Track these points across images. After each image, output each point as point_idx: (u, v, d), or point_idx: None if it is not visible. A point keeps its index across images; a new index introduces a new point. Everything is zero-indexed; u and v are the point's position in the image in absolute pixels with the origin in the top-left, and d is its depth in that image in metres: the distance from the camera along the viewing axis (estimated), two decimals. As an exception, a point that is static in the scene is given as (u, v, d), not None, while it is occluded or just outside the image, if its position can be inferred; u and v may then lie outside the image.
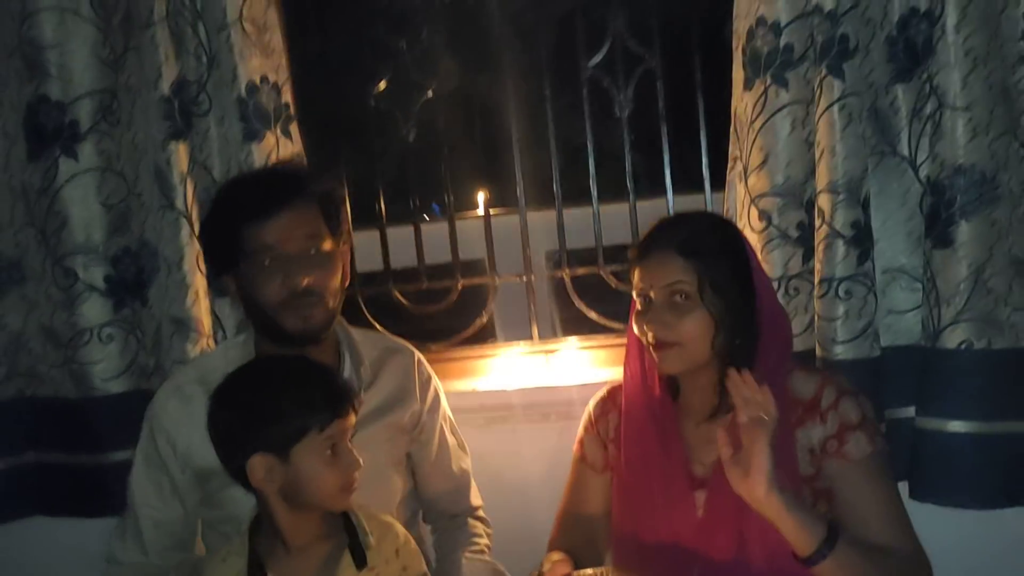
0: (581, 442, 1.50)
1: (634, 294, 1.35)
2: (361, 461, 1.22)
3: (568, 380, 1.88)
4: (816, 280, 1.58)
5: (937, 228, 1.52)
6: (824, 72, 1.51)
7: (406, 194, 2.02)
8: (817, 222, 1.56)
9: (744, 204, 1.63)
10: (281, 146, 1.75)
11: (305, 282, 1.35)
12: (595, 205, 1.93)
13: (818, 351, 1.60)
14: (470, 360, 2.01)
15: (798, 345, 1.62)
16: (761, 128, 1.58)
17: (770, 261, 1.61)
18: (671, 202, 1.90)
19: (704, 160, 1.87)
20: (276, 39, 1.75)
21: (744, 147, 1.62)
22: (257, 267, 1.36)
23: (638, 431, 1.40)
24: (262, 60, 1.72)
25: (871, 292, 1.55)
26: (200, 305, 1.76)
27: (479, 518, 1.61)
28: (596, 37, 1.90)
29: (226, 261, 1.40)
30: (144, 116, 1.76)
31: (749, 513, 1.29)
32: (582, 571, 1.30)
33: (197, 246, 1.74)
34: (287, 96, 1.76)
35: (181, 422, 1.42)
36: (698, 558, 1.33)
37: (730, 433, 1.30)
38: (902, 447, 1.58)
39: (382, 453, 1.45)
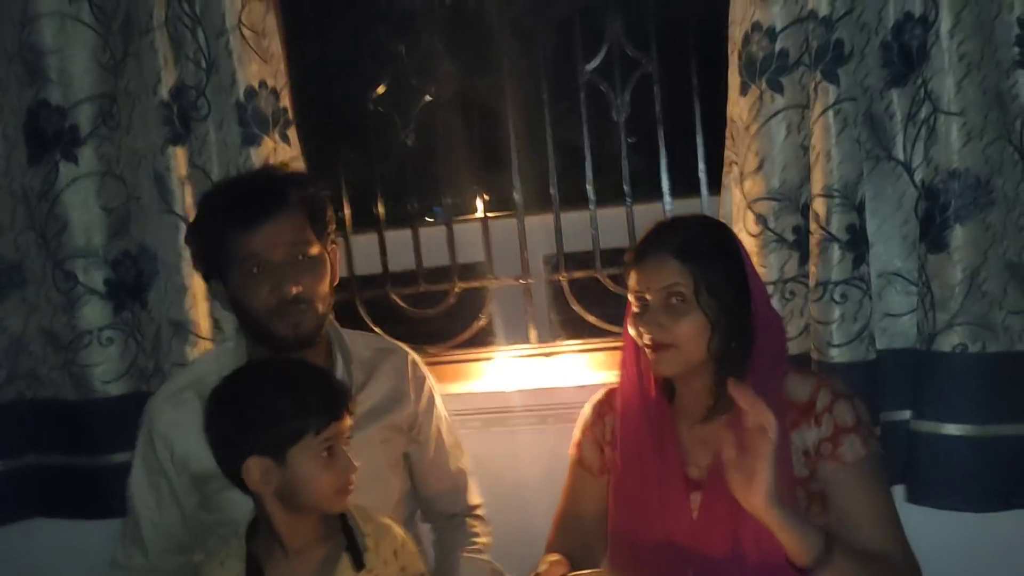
0: (578, 445, 1.50)
1: (630, 297, 1.36)
2: (357, 463, 1.22)
3: (565, 383, 1.89)
4: (812, 283, 1.58)
5: (932, 232, 1.52)
6: (819, 77, 1.51)
7: (405, 197, 2.03)
8: (812, 226, 1.56)
9: (740, 208, 1.63)
10: (279, 151, 1.76)
11: (294, 291, 1.35)
12: (592, 209, 1.94)
13: (814, 354, 1.60)
14: (468, 363, 2.01)
15: (794, 348, 1.62)
16: (757, 132, 1.59)
17: (766, 265, 1.61)
18: (668, 206, 1.91)
19: (701, 164, 1.88)
20: (274, 44, 1.76)
21: (740, 151, 1.62)
22: (245, 275, 1.36)
23: (634, 433, 1.40)
24: (260, 65, 1.73)
25: (866, 295, 1.56)
26: (199, 308, 1.77)
27: (478, 517, 1.61)
28: (593, 41, 1.91)
29: (213, 267, 1.40)
30: (143, 121, 1.77)
31: (744, 515, 1.29)
32: (579, 573, 1.30)
33: (196, 250, 1.76)
34: (285, 101, 1.77)
35: (176, 427, 1.43)
36: (693, 560, 1.33)
37: (733, 432, 1.31)
38: (898, 450, 1.58)
39: (378, 454, 1.45)
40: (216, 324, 1.81)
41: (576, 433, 1.51)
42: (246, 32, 1.71)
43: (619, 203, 1.93)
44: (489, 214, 2.01)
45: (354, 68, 2.07)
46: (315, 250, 1.39)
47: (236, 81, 1.71)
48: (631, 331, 1.36)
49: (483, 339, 2.06)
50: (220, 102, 1.73)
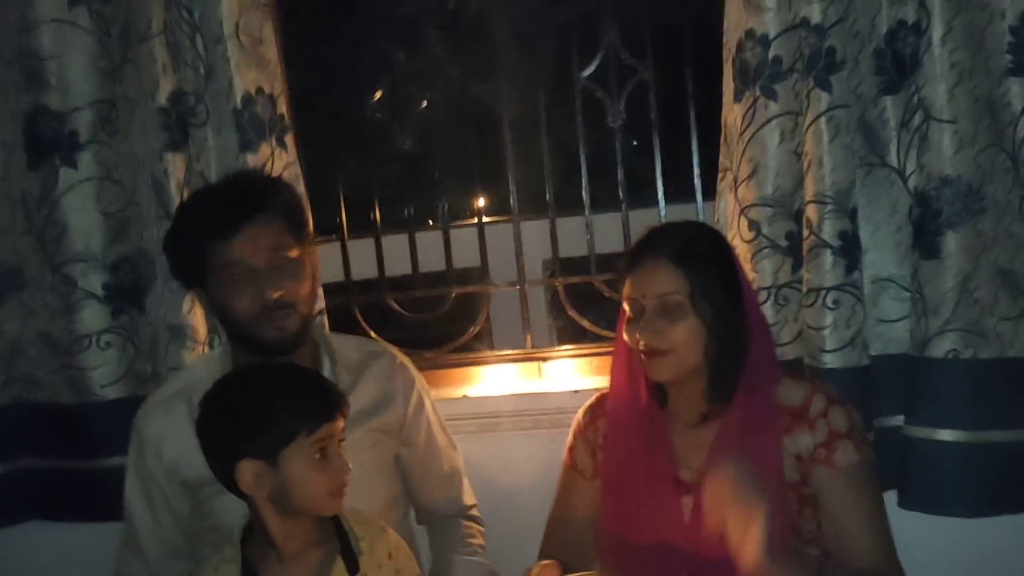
0: (571, 449, 1.51)
1: (624, 303, 1.36)
2: (351, 464, 1.22)
3: (560, 388, 1.90)
4: (804, 289, 1.59)
5: (924, 239, 1.53)
6: (811, 84, 1.52)
7: (402, 202, 2.04)
8: (805, 232, 1.57)
9: (734, 214, 1.64)
10: (276, 156, 1.77)
11: (276, 295, 1.36)
12: (588, 214, 1.95)
13: (807, 360, 1.61)
14: (464, 367, 2.02)
15: (787, 354, 1.63)
16: (751, 139, 1.60)
17: (760, 270, 1.62)
18: (663, 211, 1.92)
19: (696, 170, 1.89)
20: (272, 51, 1.77)
21: (734, 158, 1.63)
22: (226, 282, 1.36)
23: (624, 437, 1.41)
24: (258, 72, 1.74)
25: (859, 302, 1.56)
26: (196, 313, 1.78)
27: (472, 518, 1.61)
28: (590, 48, 1.92)
29: (194, 277, 1.41)
30: (142, 126, 1.78)
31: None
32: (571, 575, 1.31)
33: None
34: (283, 107, 1.78)
35: (166, 435, 1.44)
36: (685, 562, 1.34)
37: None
38: (890, 456, 1.59)
39: (367, 458, 1.45)
40: (214, 328, 1.81)
41: (569, 437, 1.51)
42: (243, 39, 1.72)
43: (616, 208, 1.94)
44: (487, 219, 2.02)
45: (352, 74, 2.09)
46: (294, 253, 1.40)
47: (233, 88, 1.71)
48: (626, 337, 1.36)
49: (480, 344, 2.07)
50: (218, 108, 1.74)
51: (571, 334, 2.03)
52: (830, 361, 1.56)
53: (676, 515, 1.36)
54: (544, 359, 1.99)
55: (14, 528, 1.95)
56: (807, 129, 1.54)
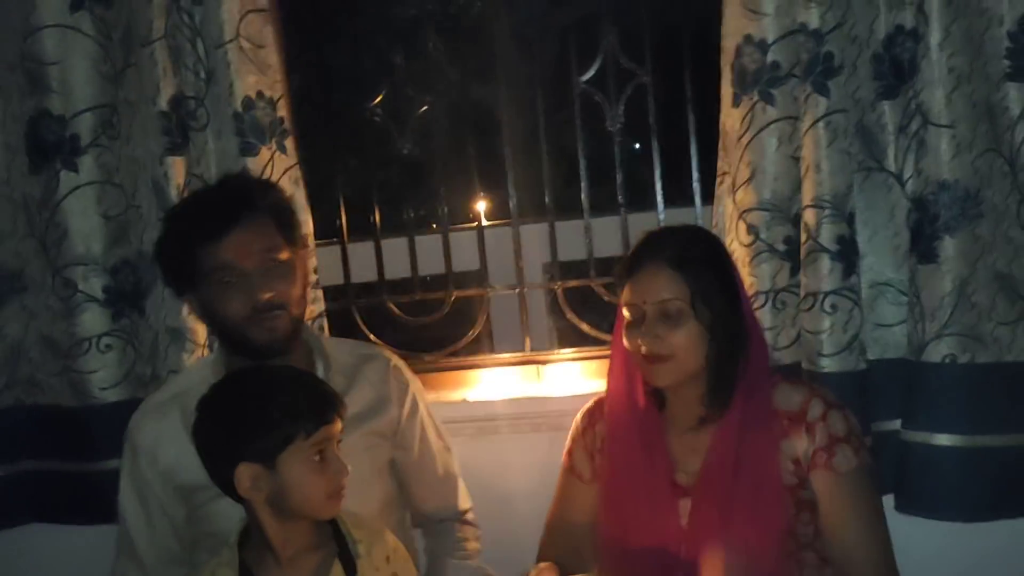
0: (569, 453, 1.51)
1: (624, 309, 1.36)
2: (349, 467, 1.22)
3: (558, 391, 1.90)
4: (802, 294, 1.59)
5: (922, 243, 1.53)
6: (810, 89, 1.53)
7: (402, 205, 2.04)
8: (803, 237, 1.57)
9: (732, 218, 1.65)
10: (276, 160, 1.78)
11: (267, 296, 1.36)
12: (587, 218, 1.96)
13: (805, 364, 1.61)
14: (463, 371, 2.02)
15: (785, 358, 1.63)
16: (749, 143, 1.60)
17: (758, 274, 1.62)
18: (662, 215, 1.92)
19: (695, 174, 1.89)
20: (272, 56, 1.77)
21: (732, 162, 1.64)
22: (217, 286, 1.37)
23: (621, 441, 1.41)
24: (258, 77, 1.74)
25: (857, 306, 1.57)
26: (196, 316, 1.78)
27: (467, 522, 1.61)
28: (589, 53, 1.92)
29: (185, 283, 1.41)
30: (143, 130, 1.79)
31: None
32: (568, 578, 1.32)
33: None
34: (283, 111, 1.79)
35: (160, 441, 1.44)
36: (683, 566, 1.34)
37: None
38: (888, 460, 1.59)
39: (361, 462, 1.44)
40: (214, 331, 1.82)
41: (567, 441, 1.52)
42: (244, 44, 1.73)
43: (615, 212, 1.94)
44: (487, 222, 2.02)
45: (353, 77, 2.09)
46: (285, 255, 1.40)
47: (234, 92, 1.72)
48: (626, 342, 1.36)
49: (479, 347, 2.08)
50: (218, 112, 1.75)
51: (571, 337, 2.03)
52: (828, 365, 1.56)
53: (673, 519, 1.36)
54: (542, 363, 1.99)
55: (14, 530, 1.96)
56: (805, 134, 1.55)
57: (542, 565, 1.40)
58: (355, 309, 2.07)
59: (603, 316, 1.96)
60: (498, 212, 2.06)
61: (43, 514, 1.95)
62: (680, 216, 1.89)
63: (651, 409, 1.41)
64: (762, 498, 1.32)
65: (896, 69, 1.55)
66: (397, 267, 2.06)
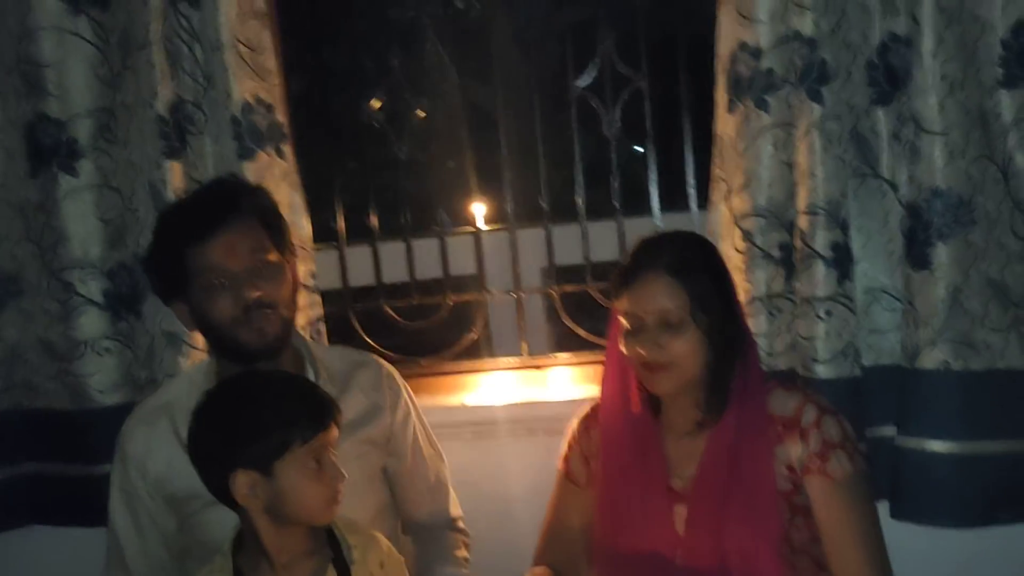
0: (565, 457, 1.51)
1: (622, 317, 1.36)
2: (346, 474, 1.22)
3: (555, 396, 1.90)
4: (797, 300, 1.60)
5: (915, 250, 1.54)
6: (804, 96, 1.53)
7: (400, 210, 2.05)
8: (797, 243, 1.58)
9: (727, 224, 1.65)
10: (274, 164, 1.78)
11: (255, 294, 1.36)
12: (583, 223, 1.96)
13: (800, 370, 1.62)
14: (460, 375, 2.03)
15: (780, 364, 1.64)
16: (744, 150, 1.61)
17: (753, 280, 1.63)
18: (658, 220, 1.93)
19: (691, 180, 1.90)
20: (270, 60, 1.78)
21: (727, 168, 1.64)
22: (206, 288, 1.36)
23: (616, 446, 1.42)
24: (256, 81, 1.75)
25: (851, 312, 1.57)
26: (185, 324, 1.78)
27: (458, 529, 1.61)
28: (586, 57, 1.93)
29: (174, 288, 1.41)
30: (140, 134, 1.79)
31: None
32: (563, 584, 1.32)
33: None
34: (280, 116, 1.79)
35: (149, 450, 1.43)
36: (679, 572, 1.35)
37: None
38: (882, 466, 1.59)
39: (354, 469, 1.41)
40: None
41: (563, 446, 1.52)
42: (242, 48, 1.73)
43: (611, 217, 1.95)
44: (485, 227, 2.03)
45: (351, 81, 2.10)
46: (273, 257, 1.40)
47: (232, 96, 1.73)
48: (625, 351, 1.36)
49: (477, 351, 2.08)
50: (216, 116, 1.75)
51: (569, 341, 2.04)
52: (822, 371, 1.57)
53: (668, 524, 1.37)
54: (539, 368, 2.00)
55: (13, 532, 1.96)
56: (800, 140, 1.55)
57: (537, 570, 1.41)
58: (353, 313, 2.07)
59: (600, 320, 1.96)
60: (495, 216, 2.07)
61: (41, 516, 1.95)
62: (677, 221, 1.90)
63: (646, 415, 1.41)
64: (757, 503, 1.33)
65: (890, 76, 1.56)
66: (395, 271, 2.07)
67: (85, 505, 1.87)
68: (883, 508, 1.56)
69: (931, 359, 1.53)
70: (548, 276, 2.04)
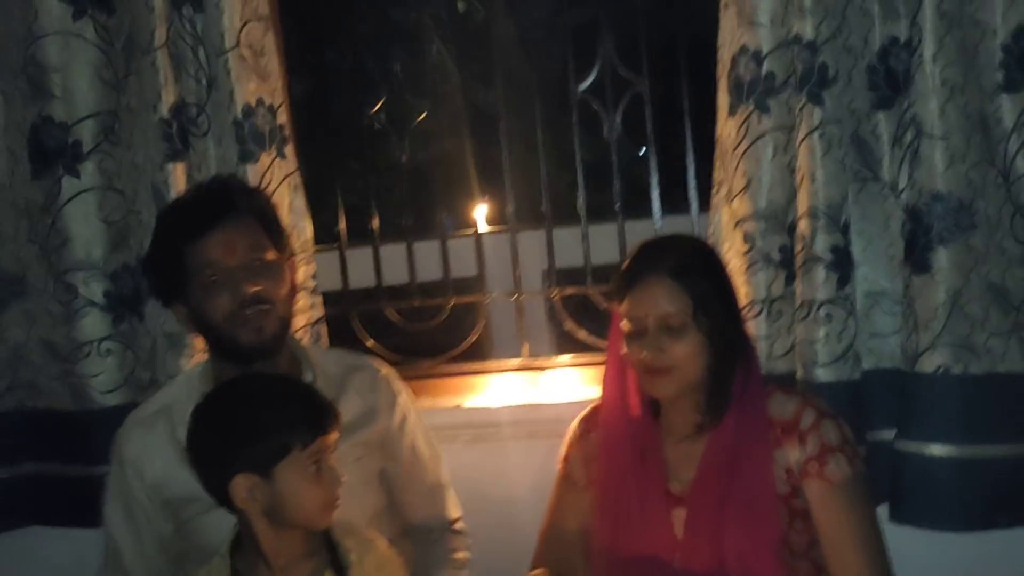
0: (565, 459, 1.51)
1: (623, 321, 1.36)
2: (344, 477, 1.22)
3: (555, 398, 1.90)
4: (797, 303, 1.60)
5: (915, 254, 1.54)
6: (805, 99, 1.53)
7: (401, 211, 2.06)
8: (798, 246, 1.58)
9: (728, 227, 1.65)
10: (276, 166, 1.79)
11: (252, 290, 1.36)
12: (584, 225, 1.96)
13: (799, 373, 1.62)
14: (461, 377, 2.03)
15: (780, 367, 1.64)
16: (744, 153, 1.61)
17: (753, 284, 1.63)
18: (658, 223, 1.93)
19: (692, 183, 1.90)
20: (273, 63, 1.78)
21: (728, 171, 1.64)
22: (204, 285, 1.37)
23: (615, 449, 1.42)
24: (259, 84, 1.76)
25: (851, 315, 1.57)
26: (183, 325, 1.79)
27: (456, 532, 1.60)
28: (587, 61, 1.93)
29: (173, 287, 1.41)
30: (144, 137, 1.80)
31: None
32: (563, 586, 1.32)
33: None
34: (283, 118, 1.80)
35: (146, 454, 1.44)
36: (677, 574, 1.35)
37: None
38: (882, 470, 1.59)
39: (351, 472, 1.41)
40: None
41: (563, 448, 1.52)
42: (245, 51, 1.74)
43: (614, 219, 1.95)
44: (486, 229, 2.03)
45: (353, 84, 2.11)
46: (271, 255, 1.40)
47: (234, 99, 1.73)
48: (627, 352, 1.35)
49: (478, 353, 2.09)
50: (219, 119, 1.76)
51: (571, 343, 2.04)
52: (822, 375, 1.57)
53: (667, 527, 1.37)
54: (540, 370, 2.00)
55: (14, 533, 1.97)
56: (800, 144, 1.55)
57: (536, 572, 1.41)
58: (354, 315, 2.08)
59: (600, 323, 1.97)
60: (496, 218, 2.07)
61: (43, 517, 1.96)
62: (677, 224, 1.90)
63: (646, 418, 1.41)
64: (756, 507, 1.33)
65: (890, 80, 1.56)
66: (396, 273, 2.07)
67: (85, 506, 1.87)
68: (883, 512, 1.56)
69: (931, 363, 1.53)
70: (549, 278, 2.05)
